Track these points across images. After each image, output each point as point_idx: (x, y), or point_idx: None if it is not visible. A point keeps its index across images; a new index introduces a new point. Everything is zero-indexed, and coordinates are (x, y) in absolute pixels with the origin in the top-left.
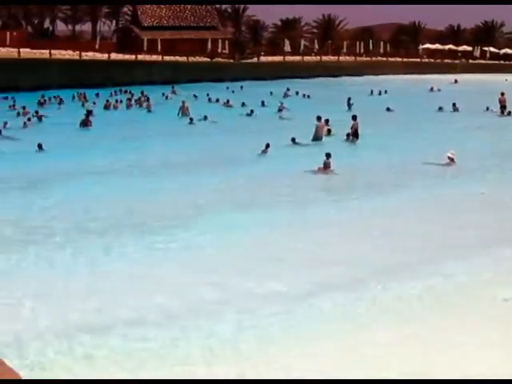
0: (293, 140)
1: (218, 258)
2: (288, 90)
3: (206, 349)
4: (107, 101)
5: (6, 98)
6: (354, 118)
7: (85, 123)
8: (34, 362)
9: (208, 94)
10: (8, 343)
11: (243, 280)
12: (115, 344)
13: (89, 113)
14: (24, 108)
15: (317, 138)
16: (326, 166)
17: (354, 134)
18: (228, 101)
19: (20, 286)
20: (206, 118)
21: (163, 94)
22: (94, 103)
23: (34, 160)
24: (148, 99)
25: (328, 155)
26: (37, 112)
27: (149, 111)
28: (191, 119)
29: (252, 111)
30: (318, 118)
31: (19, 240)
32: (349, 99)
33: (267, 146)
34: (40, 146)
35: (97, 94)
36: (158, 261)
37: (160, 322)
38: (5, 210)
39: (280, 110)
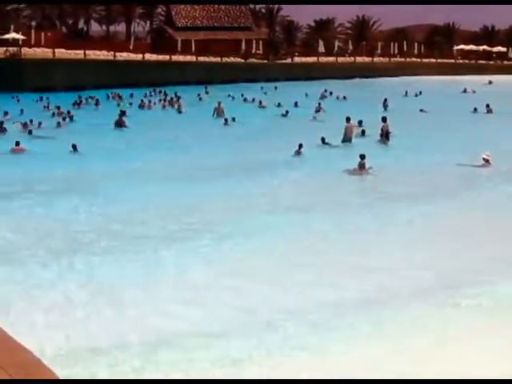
0: (322, 140)
1: (259, 262)
2: (325, 91)
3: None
4: (142, 101)
5: (41, 98)
6: (384, 119)
7: (119, 124)
8: None
9: (243, 95)
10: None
11: (290, 287)
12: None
13: (122, 113)
14: (58, 108)
15: (346, 139)
16: (361, 167)
17: (385, 136)
18: (261, 102)
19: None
20: (234, 119)
21: (198, 95)
22: (131, 104)
23: (68, 161)
24: (179, 99)
25: (362, 156)
26: (69, 112)
27: (179, 112)
28: (226, 120)
29: (287, 112)
30: (347, 119)
31: (67, 246)
32: (385, 100)
33: (300, 146)
34: (74, 147)
35: (131, 95)
36: (202, 265)
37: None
38: (47, 214)
39: (317, 111)
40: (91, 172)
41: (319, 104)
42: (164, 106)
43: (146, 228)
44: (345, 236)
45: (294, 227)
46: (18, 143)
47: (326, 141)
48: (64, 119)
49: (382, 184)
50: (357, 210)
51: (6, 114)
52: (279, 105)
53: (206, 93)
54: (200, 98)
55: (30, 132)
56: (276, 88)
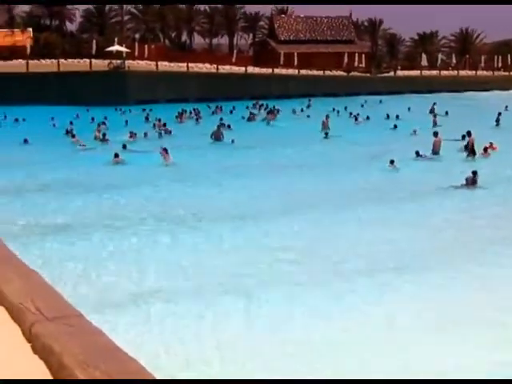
0: (417, 153)
1: None
2: (435, 104)
3: None
4: (251, 113)
5: (144, 110)
6: (469, 134)
7: (216, 136)
8: None
9: (346, 108)
10: None
11: None
12: None
13: (221, 126)
14: (159, 120)
15: (435, 152)
16: (470, 181)
17: (471, 150)
18: (356, 117)
19: None
20: (326, 135)
21: (301, 109)
22: (230, 112)
23: (165, 173)
24: (277, 112)
25: (475, 173)
26: (164, 124)
27: (268, 123)
28: (326, 134)
29: (395, 126)
30: (435, 134)
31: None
32: (499, 114)
33: (392, 161)
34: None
35: (233, 107)
36: None
37: None
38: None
39: (434, 125)
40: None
41: (434, 115)
42: (269, 120)
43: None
44: None
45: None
46: (117, 155)
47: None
48: (165, 131)
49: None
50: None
51: (103, 123)
52: (388, 117)
53: (309, 106)
54: (302, 110)
55: (124, 147)
56: (381, 101)
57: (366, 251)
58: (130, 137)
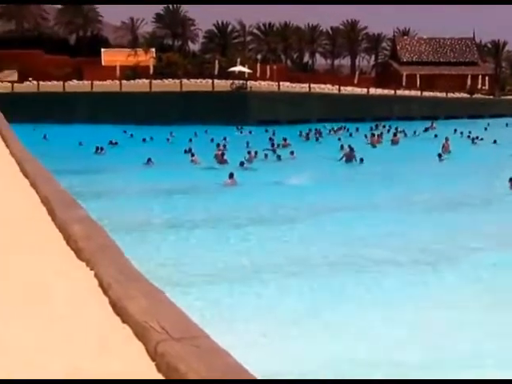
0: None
1: None
2: None
3: None
4: (373, 134)
5: (266, 130)
6: None
7: (349, 157)
8: None
9: (470, 133)
10: None
11: None
12: None
13: (351, 148)
14: (285, 140)
15: None
16: None
17: None
18: (476, 137)
19: None
20: (440, 157)
21: (425, 129)
22: (350, 135)
23: (291, 193)
24: (402, 133)
25: None
26: (278, 145)
27: (392, 144)
28: (439, 155)
29: None
30: None
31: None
32: None
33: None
34: (296, 179)
35: (357, 129)
36: None
37: None
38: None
39: None
40: (315, 205)
41: None
42: (395, 142)
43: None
44: None
45: None
46: (231, 175)
47: None
48: (292, 152)
49: None
50: None
51: (223, 144)
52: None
53: (432, 128)
54: (426, 130)
55: (241, 164)
56: (507, 125)
57: None
58: (249, 157)
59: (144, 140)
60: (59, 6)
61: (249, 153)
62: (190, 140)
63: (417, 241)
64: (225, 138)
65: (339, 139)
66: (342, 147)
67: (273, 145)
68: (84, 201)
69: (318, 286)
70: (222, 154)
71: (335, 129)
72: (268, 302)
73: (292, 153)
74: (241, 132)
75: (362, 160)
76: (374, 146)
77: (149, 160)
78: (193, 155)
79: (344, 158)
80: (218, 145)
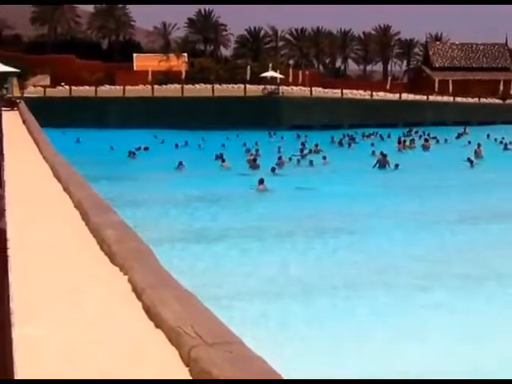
0: None
1: None
2: None
3: None
4: (404, 141)
5: (298, 136)
6: None
7: (382, 163)
8: None
9: (503, 139)
10: None
11: None
12: None
13: (383, 154)
14: (317, 146)
15: None
16: None
17: None
18: (508, 143)
19: None
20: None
21: (458, 135)
22: (384, 138)
23: (327, 200)
24: (434, 139)
25: None
26: (310, 151)
27: (423, 150)
28: (470, 160)
29: None
30: None
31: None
32: None
33: None
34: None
35: (388, 135)
36: None
37: None
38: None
39: None
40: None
41: None
42: (426, 147)
43: None
44: None
45: None
46: (262, 181)
47: None
48: (324, 158)
49: None
50: None
51: (256, 150)
52: None
53: (465, 133)
54: (458, 137)
55: (273, 169)
56: None
57: None
58: (280, 163)
59: (176, 146)
60: (92, 10)
61: (279, 158)
62: (223, 145)
63: (461, 251)
64: (256, 143)
65: (372, 144)
66: (373, 153)
67: (302, 150)
68: (114, 207)
69: (364, 300)
70: (254, 160)
71: (367, 134)
72: (316, 315)
73: (324, 158)
74: (273, 138)
75: (396, 166)
76: (400, 151)
77: (180, 164)
78: (223, 161)
79: (378, 165)
80: (249, 150)
